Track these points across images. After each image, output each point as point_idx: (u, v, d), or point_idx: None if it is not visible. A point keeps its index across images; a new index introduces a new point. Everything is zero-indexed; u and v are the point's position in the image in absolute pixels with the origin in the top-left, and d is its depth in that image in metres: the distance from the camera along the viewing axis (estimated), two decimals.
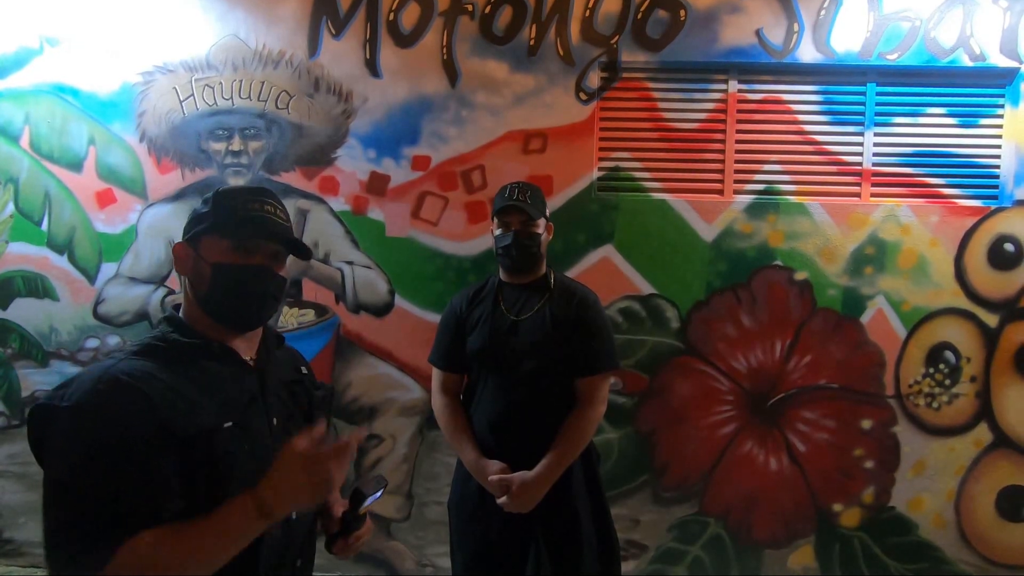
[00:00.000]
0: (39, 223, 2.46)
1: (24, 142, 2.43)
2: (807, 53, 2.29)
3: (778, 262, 2.35)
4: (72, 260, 2.46)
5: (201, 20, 2.36)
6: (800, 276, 2.35)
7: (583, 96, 2.34)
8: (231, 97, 2.38)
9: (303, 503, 0.92)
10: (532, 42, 2.33)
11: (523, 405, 1.61)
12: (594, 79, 2.33)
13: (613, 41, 2.32)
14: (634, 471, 2.40)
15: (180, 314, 1.02)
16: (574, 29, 2.32)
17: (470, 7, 2.32)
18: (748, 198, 2.36)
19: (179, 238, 1.02)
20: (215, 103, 2.38)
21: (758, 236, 2.35)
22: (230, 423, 0.94)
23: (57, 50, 2.40)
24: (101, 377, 0.88)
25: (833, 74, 2.33)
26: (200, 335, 0.99)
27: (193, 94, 2.38)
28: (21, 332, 2.48)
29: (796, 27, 2.28)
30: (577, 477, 1.63)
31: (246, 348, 1.04)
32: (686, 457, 2.40)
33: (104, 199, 2.43)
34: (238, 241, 0.98)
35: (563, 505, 1.60)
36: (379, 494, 1.06)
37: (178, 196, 2.40)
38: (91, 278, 2.46)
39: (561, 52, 2.32)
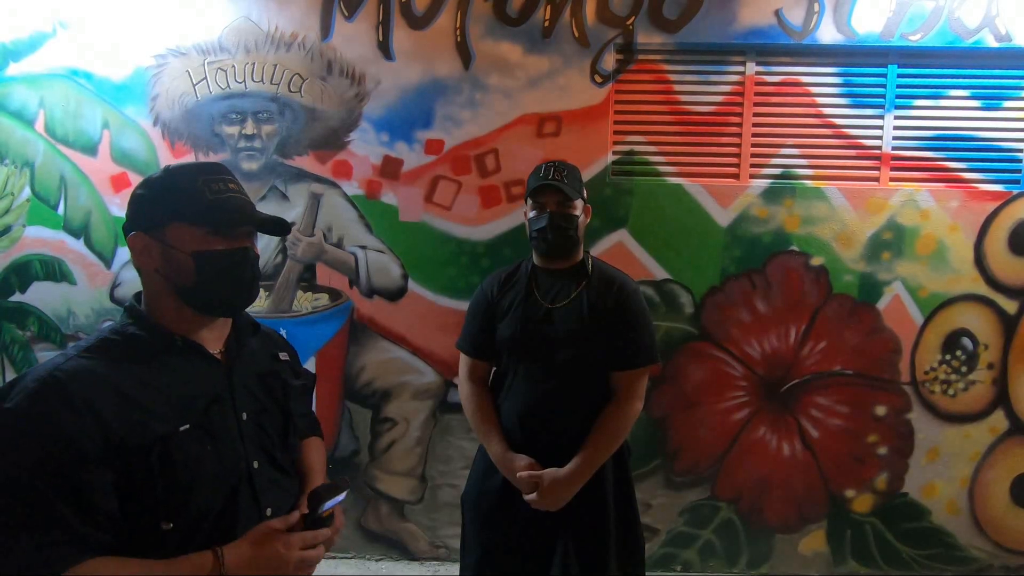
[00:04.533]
0: (55, 207, 2.47)
1: (39, 126, 2.44)
2: (827, 34, 2.25)
3: (794, 247, 2.33)
4: (88, 244, 2.47)
5: (214, 1, 2.34)
6: (816, 261, 2.33)
7: (598, 79, 2.31)
8: (244, 80, 2.37)
9: None
10: (547, 23, 2.30)
11: (555, 397, 1.53)
12: (609, 61, 2.30)
13: (629, 22, 2.28)
14: (647, 456, 2.41)
15: (141, 306, 0.94)
16: (589, 10, 2.28)
17: None
18: (764, 182, 2.33)
19: None
20: (228, 86, 2.37)
21: (774, 221, 2.33)
22: (187, 426, 0.88)
23: (70, 33, 2.40)
24: (46, 380, 0.81)
25: (853, 55, 2.29)
26: (163, 329, 0.92)
27: (206, 77, 2.38)
28: (39, 315, 2.51)
29: (816, 7, 2.24)
30: (608, 474, 1.55)
31: (213, 340, 0.98)
32: (698, 442, 2.41)
33: (119, 183, 2.44)
34: (216, 227, 0.91)
35: (593, 503, 1.52)
36: (341, 497, 0.99)
37: None
38: (107, 262, 2.48)
39: (576, 34, 2.29)
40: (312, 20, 2.34)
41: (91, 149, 2.44)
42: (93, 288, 2.49)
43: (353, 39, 2.34)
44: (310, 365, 2.46)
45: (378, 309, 2.44)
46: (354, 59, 2.35)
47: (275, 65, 2.36)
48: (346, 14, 2.33)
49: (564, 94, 2.32)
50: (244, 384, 0.99)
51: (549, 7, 2.29)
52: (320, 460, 1.16)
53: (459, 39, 2.31)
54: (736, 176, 2.35)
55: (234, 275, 0.94)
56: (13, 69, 2.43)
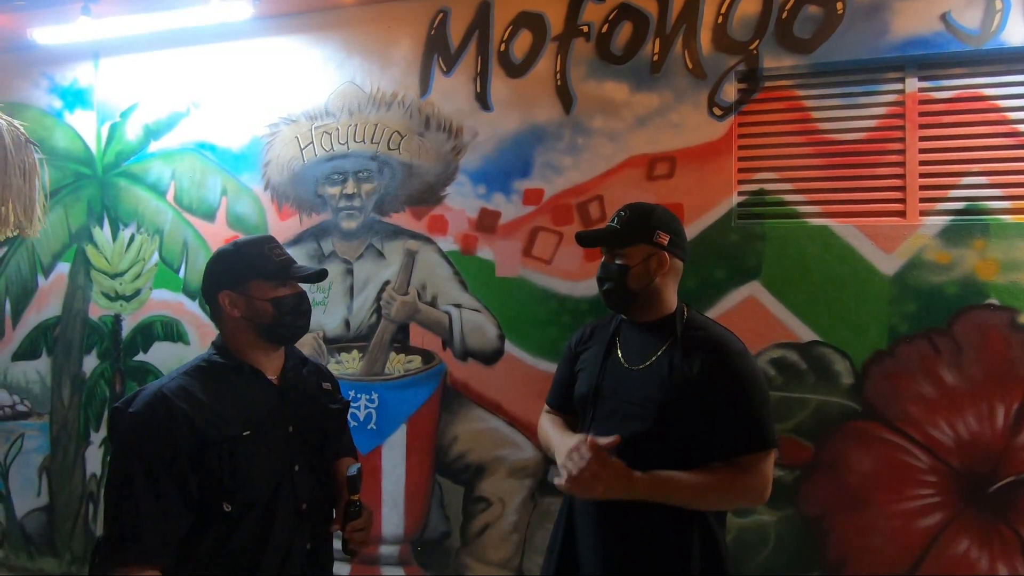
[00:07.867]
0: (177, 270, 2.61)
1: (169, 196, 2.62)
2: (1016, 35, 1.81)
3: (992, 300, 1.80)
4: (202, 305, 2.56)
5: (322, 70, 2.42)
6: None
7: (717, 111, 2.03)
8: (346, 141, 2.39)
9: None
10: (655, 58, 2.08)
11: None
12: (730, 91, 2.02)
13: (752, 47, 2.00)
14: (799, 565, 1.90)
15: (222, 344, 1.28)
16: (704, 38, 2.04)
17: (586, 28, 2.15)
18: (942, 220, 1.86)
19: None
20: (332, 148, 2.40)
21: (960, 267, 1.83)
22: (248, 432, 1.17)
23: (200, 111, 2.59)
24: (156, 394, 1.15)
25: None
26: (237, 358, 1.24)
27: (312, 141, 2.43)
28: (157, 374, 2.61)
29: (999, 5, 1.81)
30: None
31: (272, 369, 1.28)
32: (871, 552, 1.86)
33: None
34: (281, 281, 1.25)
35: None
36: (356, 468, 1.26)
37: (295, 241, 2.42)
38: None
39: (690, 65, 2.05)
40: (411, 79, 2.32)
41: (210, 215, 2.57)
42: (203, 348, 2.54)
43: (451, 93, 2.28)
44: (400, 433, 2.29)
45: (472, 373, 2.23)
46: (451, 113, 2.28)
47: (376, 125, 2.36)
48: (444, 69, 2.29)
49: (677, 132, 2.06)
50: (293, 403, 1.27)
51: (658, 40, 2.08)
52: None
53: (559, 83, 2.16)
54: (902, 213, 1.90)
55: (299, 311, 1.27)
56: (153, 147, 2.66)
